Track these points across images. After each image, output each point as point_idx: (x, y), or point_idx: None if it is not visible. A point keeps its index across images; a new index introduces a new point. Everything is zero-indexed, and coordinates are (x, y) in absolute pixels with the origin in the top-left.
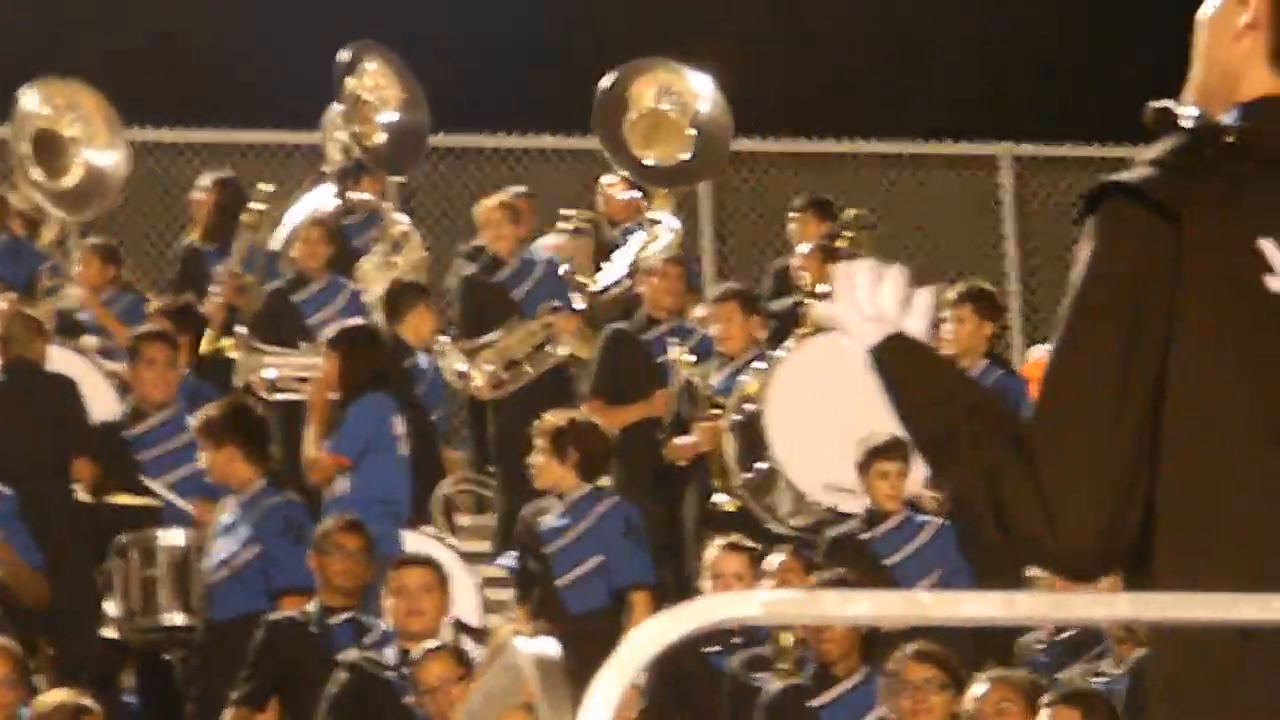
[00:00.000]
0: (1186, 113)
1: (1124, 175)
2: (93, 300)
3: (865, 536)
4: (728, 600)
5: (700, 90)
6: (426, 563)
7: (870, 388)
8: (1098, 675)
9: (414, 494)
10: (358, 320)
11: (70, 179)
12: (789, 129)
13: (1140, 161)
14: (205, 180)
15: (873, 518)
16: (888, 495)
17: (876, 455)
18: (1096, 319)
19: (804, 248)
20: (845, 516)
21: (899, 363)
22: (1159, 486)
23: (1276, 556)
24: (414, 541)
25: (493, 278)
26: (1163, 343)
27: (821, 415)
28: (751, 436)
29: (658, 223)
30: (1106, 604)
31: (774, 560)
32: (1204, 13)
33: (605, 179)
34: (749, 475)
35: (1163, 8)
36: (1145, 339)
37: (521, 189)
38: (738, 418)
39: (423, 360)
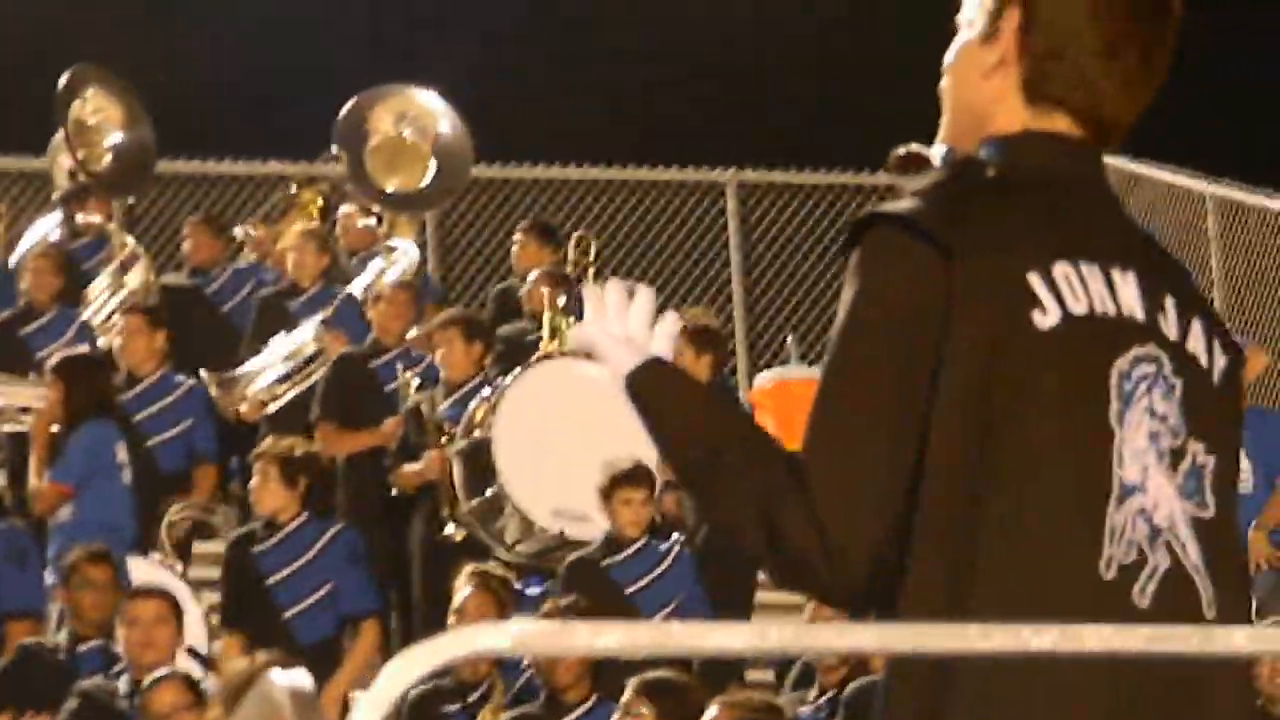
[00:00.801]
0: (936, 152)
1: (891, 206)
2: None
3: (605, 563)
4: (480, 631)
5: (438, 112)
6: (160, 594)
7: (599, 414)
8: (804, 704)
9: (141, 521)
10: (82, 348)
11: None
12: (516, 155)
13: (905, 194)
14: None
15: (613, 544)
16: (631, 522)
17: (621, 482)
18: (869, 347)
19: (532, 274)
20: (573, 543)
21: (660, 389)
22: (930, 516)
23: (1052, 582)
24: (142, 568)
25: (288, 303)
26: (934, 373)
27: (550, 441)
28: (479, 463)
29: (394, 249)
30: (853, 634)
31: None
32: (950, 58)
33: (343, 209)
34: (476, 502)
35: (887, 38)
36: (917, 369)
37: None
38: (465, 444)
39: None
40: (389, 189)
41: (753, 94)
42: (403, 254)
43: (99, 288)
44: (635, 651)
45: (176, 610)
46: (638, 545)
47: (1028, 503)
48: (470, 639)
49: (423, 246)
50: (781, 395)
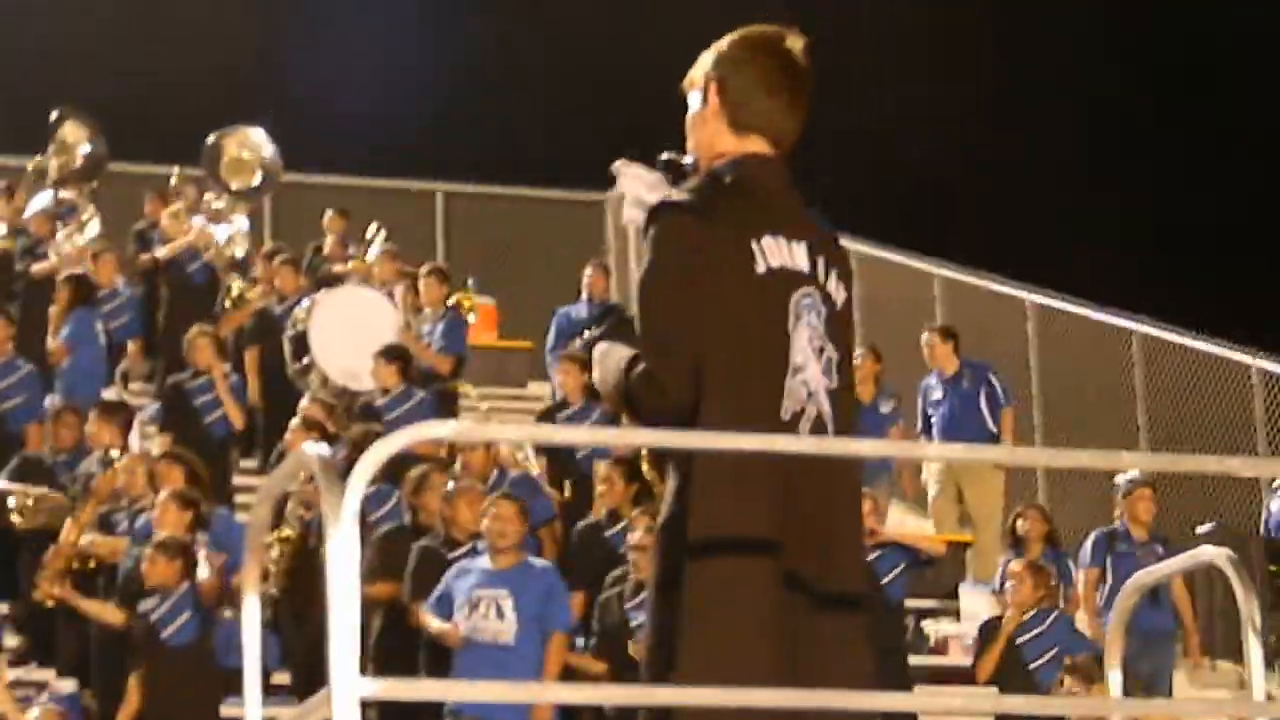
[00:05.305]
0: (687, 161)
1: (674, 198)
2: None
3: (379, 403)
4: (432, 426)
5: (264, 143)
6: (119, 406)
7: (371, 318)
8: None
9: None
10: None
11: None
12: (310, 167)
13: (679, 192)
14: None
15: (384, 391)
16: (386, 378)
17: (381, 355)
18: (666, 284)
19: (331, 238)
20: (353, 392)
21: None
22: (706, 379)
23: (756, 419)
24: (110, 394)
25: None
26: (703, 300)
27: (341, 333)
28: (300, 343)
29: (233, 221)
30: (669, 437)
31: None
32: (688, 121)
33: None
34: (297, 366)
35: (582, 65)
36: (692, 293)
37: None
38: (292, 332)
39: None
40: (234, 187)
41: (460, 115)
42: (240, 223)
43: (68, 231)
44: (526, 439)
45: (129, 417)
46: (396, 392)
47: (745, 375)
48: (426, 431)
49: (258, 221)
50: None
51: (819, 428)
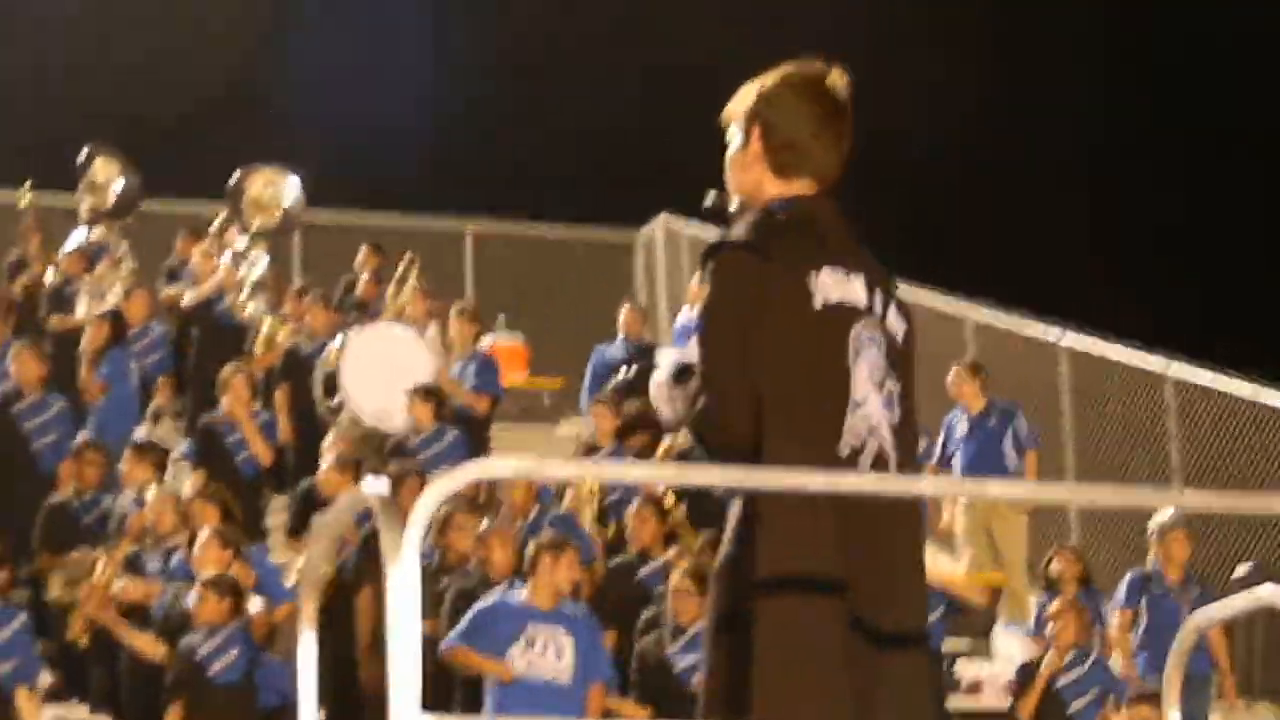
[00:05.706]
0: (734, 203)
1: (729, 237)
2: None
3: (411, 442)
4: (491, 463)
5: (287, 182)
6: (155, 449)
7: (403, 356)
8: None
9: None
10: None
11: None
12: (337, 203)
13: (735, 231)
14: None
15: (416, 430)
16: (421, 415)
17: (416, 394)
18: (725, 321)
19: (365, 275)
20: (384, 432)
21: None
22: (765, 415)
23: (816, 456)
24: (140, 433)
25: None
26: (762, 337)
27: (373, 372)
28: (332, 382)
29: (252, 259)
30: (725, 474)
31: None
32: (727, 163)
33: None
34: (329, 405)
35: (614, 106)
36: (752, 332)
37: None
38: (323, 372)
39: None
40: (254, 225)
41: (483, 160)
42: (259, 259)
43: (101, 271)
44: (581, 475)
45: (163, 456)
46: (429, 431)
47: (803, 411)
48: (486, 468)
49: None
50: (497, 349)
51: (880, 463)
